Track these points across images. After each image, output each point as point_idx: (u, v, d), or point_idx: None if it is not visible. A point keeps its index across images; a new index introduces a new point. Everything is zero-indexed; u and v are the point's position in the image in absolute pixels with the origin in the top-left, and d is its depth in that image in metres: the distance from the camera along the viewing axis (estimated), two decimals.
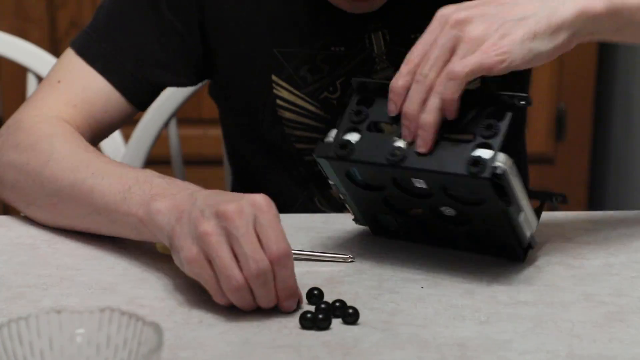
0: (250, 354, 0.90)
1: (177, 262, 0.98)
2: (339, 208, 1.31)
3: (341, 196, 1.11)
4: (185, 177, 1.61)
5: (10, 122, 1.23)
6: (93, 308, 0.82)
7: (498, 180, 0.98)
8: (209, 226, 0.94)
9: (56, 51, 2.44)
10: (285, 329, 0.94)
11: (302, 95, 1.29)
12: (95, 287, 1.03)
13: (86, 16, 2.48)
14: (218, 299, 0.96)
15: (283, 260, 0.95)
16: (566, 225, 1.17)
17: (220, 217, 0.94)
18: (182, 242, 0.96)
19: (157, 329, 0.78)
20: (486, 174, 0.97)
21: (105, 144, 1.61)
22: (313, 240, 1.14)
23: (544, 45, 1.00)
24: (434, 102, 1.00)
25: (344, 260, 1.07)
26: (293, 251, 0.98)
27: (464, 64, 0.98)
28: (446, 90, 0.99)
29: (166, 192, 1.03)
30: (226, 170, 1.64)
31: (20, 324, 0.79)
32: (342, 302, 0.96)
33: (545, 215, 1.10)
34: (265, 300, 0.95)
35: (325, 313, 0.94)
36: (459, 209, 1.05)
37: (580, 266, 1.07)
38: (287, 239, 1.14)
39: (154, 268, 1.07)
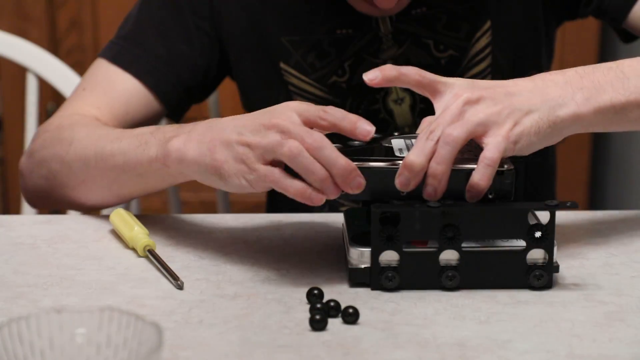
0: (250, 354, 0.90)
1: (236, 186, 1.01)
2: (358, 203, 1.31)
3: None
4: None
5: (39, 129, 1.28)
6: (93, 308, 0.82)
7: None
8: (273, 139, 0.99)
9: (56, 51, 2.44)
10: (286, 329, 0.94)
11: (311, 82, 1.31)
12: (95, 287, 1.03)
13: (86, 16, 2.49)
14: (313, 198, 0.98)
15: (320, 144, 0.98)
16: (566, 225, 1.17)
17: (272, 128, 0.99)
18: (240, 165, 1.00)
19: (157, 329, 0.78)
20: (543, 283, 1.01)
21: None
22: (313, 239, 1.14)
23: (541, 140, 1.04)
24: (443, 153, 1.00)
25: None
26: None
27: (493, 148, 1.01)
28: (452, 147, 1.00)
29: (179, 132, 1.07)
30: None
31: (20, 323, 0.79)
32: (336, 302, 0.96)
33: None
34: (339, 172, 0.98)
35: (321, 314, 0.94)
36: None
37: (580, 266, 1.07)
38: (287, 238, 1.15)
39: (154, 268, 1.07)
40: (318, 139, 0.98)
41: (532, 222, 1.01)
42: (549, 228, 1.00)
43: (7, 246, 1.13)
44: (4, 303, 0.99)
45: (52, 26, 2.49)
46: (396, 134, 1.11)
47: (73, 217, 1.21)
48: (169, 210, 1.58)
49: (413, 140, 1.06)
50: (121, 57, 1.30)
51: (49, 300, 1.00)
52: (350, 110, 1.30)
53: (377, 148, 1.06)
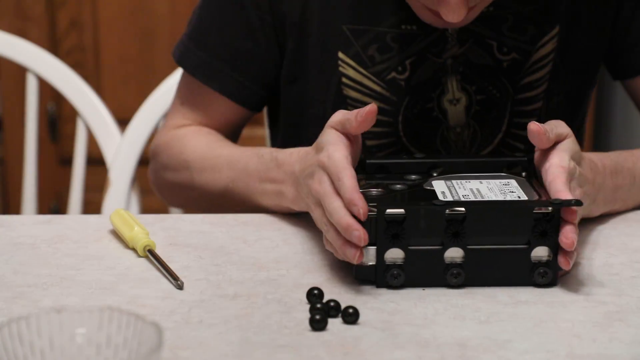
0: (250, 354, 0.90)
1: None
2: None
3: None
4: None
5: (153, 149, 1.37)
6: (93, 308, 0.82)
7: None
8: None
9: (56, 51, 2.44)
10: (285, 329, 0.94)
11: (369, 75, 1.28)
12: (95, 287, 1.03)
13: (86, 16, 2.49)
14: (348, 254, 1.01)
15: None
16: None
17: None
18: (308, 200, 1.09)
19: (157, 329, 0.78)
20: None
21: (101, 137, 1.60)
22: (313, 239, 1.14)
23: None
24: None
25: None
26: None
27: None
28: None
29: (288, 178, 1.16)
30: None
31: (20, 323, 0.79)
32: (336, 302, 0.96)
33: None
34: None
35: (321, 314, 0.94)
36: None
37: (580, 266, 1.07)
38: (286, 239, 1.15)
39: (154, 268, 1.07)
40: (329, 208, 1.01)
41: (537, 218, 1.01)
42: (554, 225, 1.00)
43: (7, 246, 1.13)
44: (4, 303, 0.99)
45: (52, 26, 2.49)
46: (435, 174, 1.11)
47: (73, 217, 1.21)
48: (169, 210, 1.58)
49: (454, 182, 1.08)
50: (188, 63, 1.33)
51: (49, 300, 1.00)
52: (406, 109, 1.29)
53: (418, 191, 1.06)
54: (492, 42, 1.27)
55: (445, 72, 1.28)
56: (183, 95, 1.36)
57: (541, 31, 1.28)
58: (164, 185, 1.36)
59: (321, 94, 1.31)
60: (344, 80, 1.29)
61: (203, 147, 1.30)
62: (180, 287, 1.02)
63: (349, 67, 1.29)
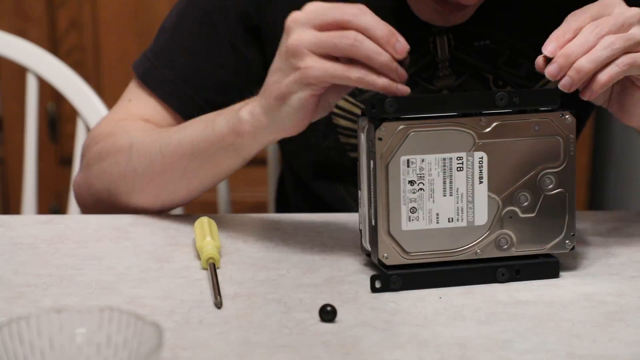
0: (250, 354, 0.90)
1: (300, 102, 1.04)
2: None
3: None
4: None
5: (88, 141, 1.28)
6: (93, 308, 0.82)
7: None
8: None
9: (55, 51, 2.44)
10: (285, 329, 0.94)
11: (358, 103, 1.26)
12: (95, 287, 1.03)
13: (86, 16, 2.49)
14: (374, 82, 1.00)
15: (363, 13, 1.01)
16: None
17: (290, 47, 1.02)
18: (294, 73, 1.02)
19: (157, 329, 0.78)
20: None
21: None
22: (313, 239, 1.14)
23: None
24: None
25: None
26: None
27: None
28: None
29: (247, 101, 1.11)
30: None
31: (20, 323, 0.79)
32: (332, 306, 0.95)
33: None
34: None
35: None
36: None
37: (580, 266, 1.07)
38: (286, 239, 1.15)
39: (154, 268, 1.07)
40: (362, 22, 1.00)
41: None
42: None
43: (7, 246, 1.13)
44: (4, 303, 0.99)
45: (52, 26, 2.49)
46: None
47: (73, 217, 1.21)
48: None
49: None
50: (150, 79, 1.28)
51: (49, 300, 1.00)
52: None
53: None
54: (488, 75, 1.26)
55: None
56: (135, 98, 1.30)
57: None
58: (95, 178, 1.24)
59: (312, 123, 1.30)
60: (334, 109, 1.27)
61: (150, 126, 1.24)
62: (217, 306, 0.98)
63: None
